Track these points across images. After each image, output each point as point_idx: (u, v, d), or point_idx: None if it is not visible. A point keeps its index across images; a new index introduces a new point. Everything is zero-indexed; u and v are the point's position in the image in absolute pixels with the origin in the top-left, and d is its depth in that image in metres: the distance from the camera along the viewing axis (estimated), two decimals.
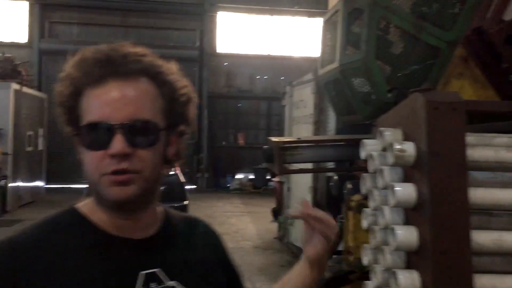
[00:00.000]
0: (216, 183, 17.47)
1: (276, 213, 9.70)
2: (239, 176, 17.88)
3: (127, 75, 0.94)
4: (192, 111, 1.05)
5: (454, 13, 3.55)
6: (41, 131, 13.62)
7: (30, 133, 12.74)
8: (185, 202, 8.06)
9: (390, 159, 1.75)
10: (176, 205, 7.62)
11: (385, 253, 1.79)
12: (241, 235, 9.36)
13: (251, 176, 17.33)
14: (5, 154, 11.04)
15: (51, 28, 17.84)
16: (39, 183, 13.81)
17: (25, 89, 12.30)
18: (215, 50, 18.60)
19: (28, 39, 17.46)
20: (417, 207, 1.68)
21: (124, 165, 0.92)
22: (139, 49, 0.99)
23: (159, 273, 0.98)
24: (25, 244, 0.96)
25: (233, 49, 18.74)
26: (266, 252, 8.06)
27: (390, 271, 1.76)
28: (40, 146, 13.68)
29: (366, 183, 2.03)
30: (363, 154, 2.06)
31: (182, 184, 8.32)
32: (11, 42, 17.26)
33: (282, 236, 8.36)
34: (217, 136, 18.44)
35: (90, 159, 0.94)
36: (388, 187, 1.76)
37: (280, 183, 8.93)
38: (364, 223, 2.08)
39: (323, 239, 1.19)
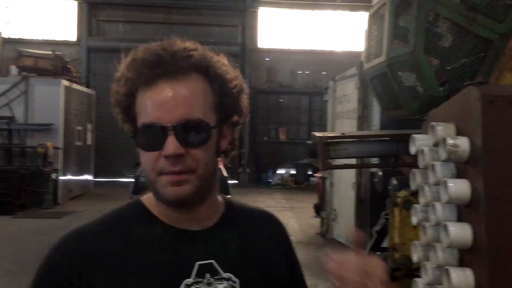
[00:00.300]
0: (257, 178, 17.54)
1: (318, 208, 9.66)
2: (280, 171, 17.88)
3: (177, 73, 0.95)
4: (244, 101, 1.06)
5: (507, 4, 3.42)
6: (89, 126, 14.07)
7: (79, 128, 13.18)
8: (228, 197, 8.15)
9: (443, 154, 1.72)
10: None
11: (437, 250, 1.76)
12: None
13: (293, 172, 17.29)
14: (56, 148, 11.48)
15: (98, 26, 18.38)
16: (88, 177, 14.28)
17: (74, 86, 12.73)
18: (257, 45, 18.63)
19: (77, 37, 18.05)
20: (471, 203, 1.64)
21: (178, 166, 0.94)
22: (189, 44, 1.00)
23: (214, 264, 1.00)
24: (92, 232, 1.01)
25: (274, 44, 18.72)
26: (309, 247, 8.04)
27: (442, 269, 1.73)
28: (89, 140, 14.13)
29: (416, 178, 2.00)
30: (413, 149, 2.02)
31: (225, 179, 8.41)
32: (61, 40, 17.90)
33: (325, 231, 8.32)
34: (259, 131, 18.49)
35: (146, 159, 0.97)
36: (440, 183, 1.72)
37: (323, 178, 8.88)
38: (414, 220, 2.05)
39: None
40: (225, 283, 1.00)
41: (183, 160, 0.94)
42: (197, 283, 0.97)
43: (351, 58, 14.90)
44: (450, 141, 1.68)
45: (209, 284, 0.98)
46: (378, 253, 6.26)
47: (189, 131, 0.94)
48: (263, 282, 1.05)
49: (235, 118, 1.05)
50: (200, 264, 0.99)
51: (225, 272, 1.00)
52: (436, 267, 1.78)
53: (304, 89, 18.60)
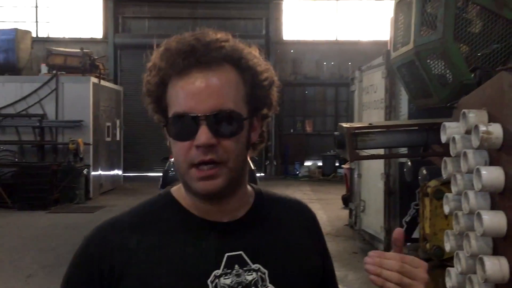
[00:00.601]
0: (284, 171, 17.54)
1: (347, 200, 9.60)
2: (307, 163, 17.83)
3: (210, 64, 0.95)
4: (274, 94, 1.05)
5: None
6: (118, 122, 14.31)
7: (108, 124, 13.42)
8: (258, 187, 8.17)
9: (475, 141, 1.69)
10: None
11: (470, 239, 1.73)
12: None
13: (320, 163, 17.22)
14: (87, 144, 11.72)
15: (124, 23, 18.61)
16: (118, 172, 14.54)
17: (103, 83, 12.95)
18: (282, 37, 18.56)
19: (103, 34, 18.33)
20: (505, 191, 1.61)
21: (209, 156, 0.94)
22: (221, 35, 1.00)
23: (243, 255, 1.00)
24: (123, 224, 1.03)
25: (299, 36, 18.61)
26: (338, 238, 8.01)
27: (475, 258, 1.70)
28: (118, 136, 14.37)
29: (447, 167, 1.97)
30: (444, 138, 1.99)
31: (253, 172, 8.44)
32: (88, 38, 18.21)
33: (353, 223, 8.27)
34: (285, 124, 18.45)
35: (178, 149, 0.97)
36: (473, 171, 1.70)
37: (350, 169, 8.81)
38: (446, 209, 2.02)
39: None
40: (254, 274, 1.00)
41: (215, 150, 0.94)
42: (226, 274, 0.98)
43: (376, 48, 14.68)
44: (482, 128, 1.65)
45: (238, 275, 0.99)
46: (408, 244, 6.20)
47: (221, 121, 0.94)
48: (293, 273, 1.04)
49: (265, 110, 1.04)
50: (229, 256, 0.99)
51: (254, 263, 1.00)
52: (469, 256, 1.76)
53: (330, 80, 18.46)
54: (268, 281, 1.01)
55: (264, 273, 1.01)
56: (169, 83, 0.98)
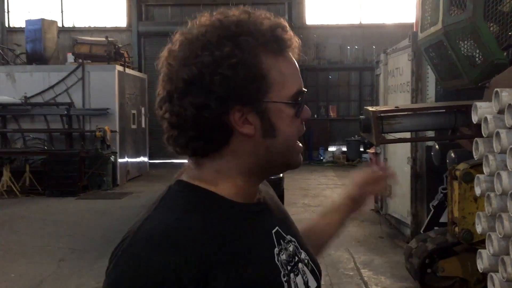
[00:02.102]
0: (309, 156, 17.50)
1: None
2: (331, 148, 17.74)
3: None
4: None
5: None
6: (143, 110, 14.46)
7: (134, 111, 13.57)
8: (281, 175, 8.19)
9: (509, 121, 1.65)
10: (272, 177, 7.77)
11: (503, 220, 1.71)
12: None
13: (344, 149, 17.12)
14: (113, 132, 11.90)
15: (147, 11, 18.70)
16: (144, 159, 14.73)
17: (128, 71, 13.08)
18: (304, 22, 18.38)
19: (127, 22, 18.48)
20: None
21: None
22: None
23: (279, 230, 1.02)
24: (193, 231, 0.88)
25: (322, 20, 18.39)
26: (363, 223, 7.98)
27: (508, 239, 1.68)
28: (143, 123, 14.54)
29: (479, 148, 1.94)
30: (475, 118, 1.95)
31: None
32: (112, 27, 18.39)
33: (380, 207, 8.21)
34: (309, 109, 18.36)
35: (295, 127, 0.97)
36: (506, 151, 1.66)
37: (376, 154, 8.73)
38: (477, 190, 1.99)
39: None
40: (291, 245, 1.03)
41: None
42: (280, 250, 0.99)
43: (401, 30, 14.41)
44: None
45: (285, 249, 1.00)
46: (436, 228, 6.13)
47: None
48: (301, 236, 1.10)
49: None
50: (274, 232, 1.01)
51: (286, 235, 1.03)
52: (502, 237, 1.73)
53: (354, 64, 18.24)
54: (299, 248, 1.05)
55: (295, 242, 1.04)
56: (265, 60, 0.92)
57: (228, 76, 0.89)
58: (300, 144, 1.00)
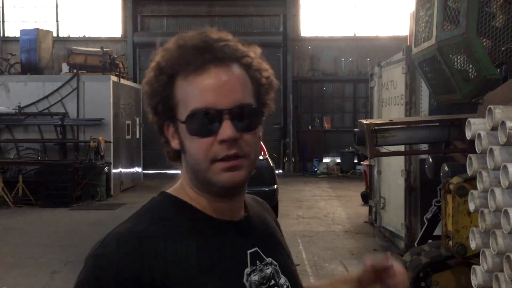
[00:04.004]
0: (303, 168, 17.51)
1: (366, 196, 9.55)
2: (325, 160, 17.76)
3: (225, 60, 0.95)
4: (272, 94, 1.05)
5: None
6: (137, 120, 14.44)
7: (128, 122, 13.55)
8: (275, 187, 8.19)
9: (502, 138, 1.67)
10: (266, 189, 7.77)
11: (497, 237, 1.72)
12: (331, 219, 9.35)
13: (338, 160, 17.15)
14: (107, 142, 11.86)
15: (142, 21, 18.77)
16: (138, 169, 14.69)
17: (123, 81, 13.07)
18: (299, 34, 18.50)
19: (122, 33, 18.52)
20: None
21: (233, 150, 0.93)
22: (223, 34, 1.00)
23: (259, 251, 1.03)
24: (147, 232, 0.95)
25: (316, 32, 18.52)
26: (357, 236, 7.98)
27: (502, 256, 1.69)
28: (137, 134, 14.51)
29: (472, 164, 1.96)
30: (469, 134, 1.97)
31: (272, 169, 8.44)
32: (107, 37, 18.41)
33: (373, 220, 8.22)
34: (303, 120, 18.42)
35: (198, 146, 0.94)
36: (499, 168, 1.68)
37: (370, 166, 8.76)
38: (471, 206, 2.00)
39: None
40: (270, 268, 1.02)
41: (238, 144, 0.94)
42: (253, 271, 0.99)
43: (395, 43, 14.54)
44: (510, 124, 1.63)
45: (261, 270, 1.00)
46: (430, 241, 6.13)
47: (243, 115, 0.94)
48: (289, 263, 1.10)
49: (265, 109, 1.04)
50: (250, 253, 1.01)
51: (267, 257, 1.03)
52: (496, 254, 1.74)
53: (348, 76, 18.35)
54: (280, 272, 1.04)
55: (276, 265, 1.04)
56: (179, 81, 0.96)
57: (149, 94, 0.99)
58: (223, 164, 0.94)
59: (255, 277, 0.99)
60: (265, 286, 0.99)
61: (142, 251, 0.92)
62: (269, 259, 1.03)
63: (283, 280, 1.04)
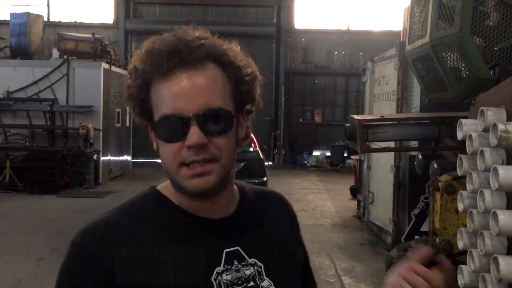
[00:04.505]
0: (292, 160, 17.55)
1: (355, 191, 9.60)
2: (316, 153, 17.82)
3: (194, 63, 0.94)
4: (257, 89, 1.04)
5: None
6: (128, 108, 14.31)
7: (118, 110, 13.45)
8: (264, 179, 8.20)
9: (493, 140, 1.67)
10: (255, 181, 7.78)
11: (484, 238, 1.72)
12: (320, 212, 9.39)
13: (328, 153, 17.21)
14: (97, 130, 11.78)
15: (135, 8, 18.57)
16: (127, 158, 14.61)
17: (114, 68, 12.96)
18: (293, 26, 18.45)
19: (114, 19, 18.33)
20: None
21: (202, 155, 0.93)
22: (201, 33, 0.99)
23: (240, 251, 1.02)
24: (117, 223, 0.99)
25: (310, 24, 18.48)
26: (345, 230, 8.03)
27: (489, 257, 1.70)
28: (127, 122, 14.42)
29: (463, 164, 1.96)
30: (460, 135, 1.97)
31: (262, 161, 8.45)
32: (99, 23, 18.21)
33: (362, 214, 8.27)
34: (294, 113, 18.43)
35: (167, 151, 0.96)
36: (489, 170, 1.68)
37: (359, 161, 8.79)
38: (460, 206, 2.01)
39: None
40: (251, 269, 1.01)
41: (206, 149, 0.94)
42: (227, 270, 0.99)
43: (388, 38, 14.56)
44: (501, 127, 1.63)
45: (237, 270, 1.00)
46: (417, 237, 6.18)
47: (211, 120, 0.94)
48: (285, 264, 1.07)
49: (249, 106, 1.04)
50: (227, 252, 1.00)
51: (250, 257, 1.02)
52: (483, 255, 1.75)
53: (340, 70, 18.37)
54: (264, 274, 1.02)
55: (260, 267, 1.02)
56: (153, 85, 0.96)
57: (127, 96, 1.01)
58: (189, 171, 0.94)
59: (227, 277, 0.98)
60: (240, 287, 0.99)
61: (107, 239, 0.96)
62: (252, 260, 1.02)
63: (266, 282, 1.02)
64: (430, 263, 1.06)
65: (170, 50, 0.94)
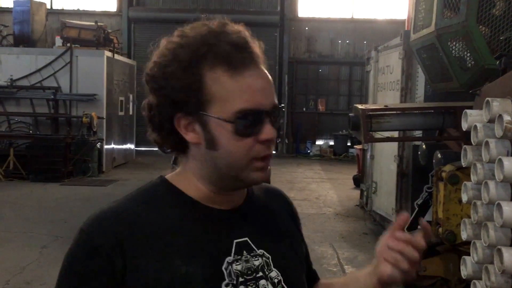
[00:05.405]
0: (296, 149, 17.53)
1: (358, 180, 9.59)
2: (319, 142, 17.79)
3: (259, 62, 0.98)
4: None
5: None
6: (131, 97, 14.31)
7: (122, 98, 13.43)
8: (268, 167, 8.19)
9: (498, 131, 1.66)
10: None
11: (488, 229, 1.72)
12: (323, 202, 9.40)
13: (331, 143, 17.18)
14: (100, 118, 11.78)
15: None
16: (130, 146, 14.62)
17: (117, 57, 12.91)
18: (296, 14, 18.31)
19: (117, 7, 18.22)
20: None
21: (272, 149, 0.98)
22: (238, 27, 0.99)
23: (249, 241, 1.03)
24: (128, 213, 0.99)
25: (314, 13, 18.34)
26: (348, 219, 8.04)
27: (493, 248, 1.69)
28: (131, 111, 14.41)
29: (467, 155, 1.95)
30: (465, 125, 1.96)
31: None
32: (102, 11, 18.12)
33: (364, 203, 8.27)
34: (297, 102, 18.37)
35: (240, 145, 0.95)
36: (494, 161, 1.67)
37: (363, 150, 8.78)
38: (464, 197, 2.00)
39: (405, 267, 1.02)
40: (260, 259, 1.03)
41: (274, 143, 0.98)
42: (236, 260, 1.00)
43: (393, 27, 14.44)
44: (507, 118, 1.62)
45: (246, 261, 1.01)
46: (419, 227, 6.20)
47: (277, 116, 0.99)
48: (290, 256, 1.09)
49: None
50: (237, 242, 1.01)
51: (258, 249, 1.03)
52: (487, 246, 1.75)
53: (344, 59, 18.25)
54: (272, 265, 1.04)
55: (268, 258, 1.04)
56: (209, 74, 0.94)
57: (162, 85, 0.97)
58: (261, 164, 0.97)
59: (237, 267, 0.99)
60: (250, 277, 1.00)
61: (116, 228, 0.96)
62: (260, 251, 1.03)
63: (274, 273, 1.04)
64: (413, 229, 1.09)
65: (243, 43, 0.95)
